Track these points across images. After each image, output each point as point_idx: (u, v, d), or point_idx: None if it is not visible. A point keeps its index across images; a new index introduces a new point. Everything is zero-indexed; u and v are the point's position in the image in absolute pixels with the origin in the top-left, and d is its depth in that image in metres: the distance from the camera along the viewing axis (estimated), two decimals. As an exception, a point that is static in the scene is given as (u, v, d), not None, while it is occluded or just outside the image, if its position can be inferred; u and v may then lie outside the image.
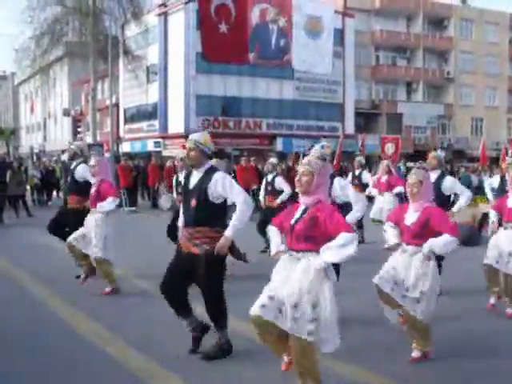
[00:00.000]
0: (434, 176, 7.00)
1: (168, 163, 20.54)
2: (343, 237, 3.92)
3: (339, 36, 38.03)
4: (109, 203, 7.33)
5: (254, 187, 18.38)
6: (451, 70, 45.55)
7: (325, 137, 31.14)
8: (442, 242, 4.78)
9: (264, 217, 10.65)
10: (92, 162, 7.56)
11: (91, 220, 7.42)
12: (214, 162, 7.80)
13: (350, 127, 38.32)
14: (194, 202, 4.85)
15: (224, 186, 4.81)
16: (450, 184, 7.32)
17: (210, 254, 4.76)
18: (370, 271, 5.02)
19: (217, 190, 4.81)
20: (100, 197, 7.38)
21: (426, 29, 45.48)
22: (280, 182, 10.88)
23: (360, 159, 13.27)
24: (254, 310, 3.97)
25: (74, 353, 5.23)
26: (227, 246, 4.81)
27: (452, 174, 25.95)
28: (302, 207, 4.20)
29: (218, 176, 4.85)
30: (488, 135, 43.02)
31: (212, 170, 4.94)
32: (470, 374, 4.75)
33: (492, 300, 6.76)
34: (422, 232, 4.90)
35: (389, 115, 42.42)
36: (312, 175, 4.13)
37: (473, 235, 12.16)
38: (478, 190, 24.89)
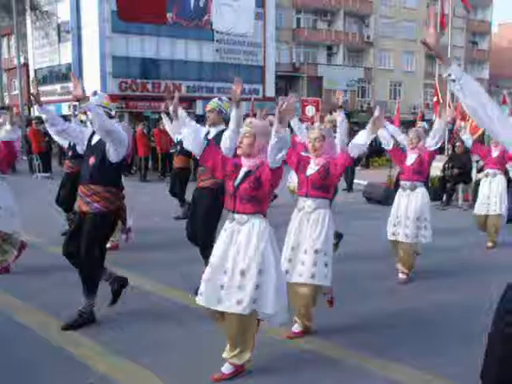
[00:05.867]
0: None
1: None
2: None
3: (260, -3, 37.41)
4: None
5: (172, 150, 18.00)
6: (371, 34, 45.95)
7: (243, 100, 30.86)
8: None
9: (173, 179, 10.60)
10: None
11: None
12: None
13: (270, 90, 38.07)
14: (92, 160, 4.84)
15: None
16: None
17: (99, 212, 4.77)
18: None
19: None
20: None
21: (347, -8, 45.56)
22: None
23: (271, 118, 12.78)
24: (198, 300, 3.91)
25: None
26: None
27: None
28: (244, 169, 3.95)
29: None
30: (406, 99, 44.03)
31: None
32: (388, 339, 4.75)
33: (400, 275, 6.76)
34: (322, 182, 4.68)
35: (309, 78, 42.44)
36: (254, 137, 3.90)
37: (388, 195, 12.29)
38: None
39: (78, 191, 5.03)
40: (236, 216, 3.89)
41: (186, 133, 4.02)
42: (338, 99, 6.08)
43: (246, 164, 3.93)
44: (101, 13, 31.89)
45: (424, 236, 6.57)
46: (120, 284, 5.12)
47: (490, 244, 8.66)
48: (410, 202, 6.58)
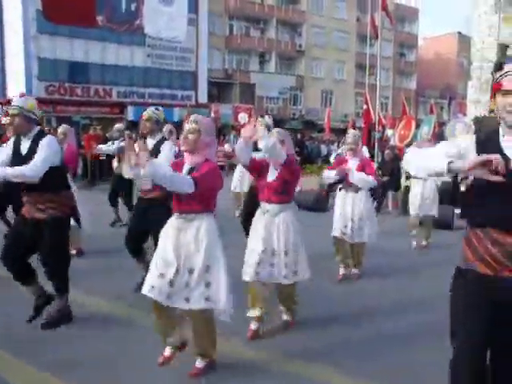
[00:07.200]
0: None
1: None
2: None
3: (193, 3, 37.09)
4: None
5: (103, 157, 17.44)
6: (303, 42, 46.52)
7: (177, 106, 30.70)
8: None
9: (114, 186, 10.08)
10: None
11: None
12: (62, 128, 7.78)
13: (203, 96, 37.76)
14: None
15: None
16: None
17: (55, 218, 4.77)
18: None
19: None
20: None
21: (280, 1, 45.89)
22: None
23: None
24: (145, 290, 3.82)
25: None
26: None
27: (302, 143, 26.51)
28: (186, 166, 3.92)
29: (44, 141, 4.72)
30: (337, 107, 44.84)
31: (40, 136, 4.77)
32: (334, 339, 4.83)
33: (342, 270, 6.95)
34: (283, 187, 4.74)
35: (242, 85, 42.42)
36: (199, 133, 3.85)
37: (320, 202, 12.30)
38: (326, 159, 25.78)
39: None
40: (183, 215, 3.84)
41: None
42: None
43: (190, 160, 3.90)
44: (25, 11, 30.61)
45: (369, 235, 6.88)
46: (45, 301, 5.10)
47: (424, 243, 9.10)
48: (355, 203, 6.79)
